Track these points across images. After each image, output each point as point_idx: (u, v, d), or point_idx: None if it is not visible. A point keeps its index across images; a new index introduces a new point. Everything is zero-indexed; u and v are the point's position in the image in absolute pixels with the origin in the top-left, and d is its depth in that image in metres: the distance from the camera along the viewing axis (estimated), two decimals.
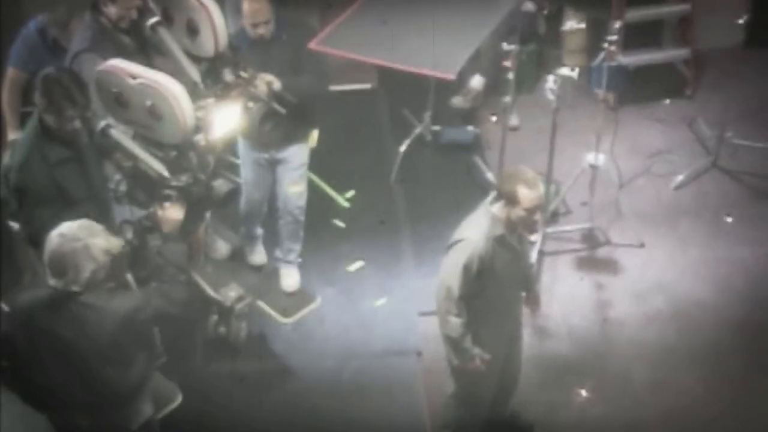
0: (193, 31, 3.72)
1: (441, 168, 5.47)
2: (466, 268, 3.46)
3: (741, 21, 5.24)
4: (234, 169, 4.25)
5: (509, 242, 3.55)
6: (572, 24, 5.98)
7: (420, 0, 4.62)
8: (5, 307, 3.32)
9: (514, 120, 5.51)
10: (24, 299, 3.21)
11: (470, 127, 5.63)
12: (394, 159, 5.39)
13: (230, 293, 3.94)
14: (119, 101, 3.53)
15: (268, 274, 4.83)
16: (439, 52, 4.32)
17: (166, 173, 3.54)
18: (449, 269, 3.50)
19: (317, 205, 4.95)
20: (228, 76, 3.80)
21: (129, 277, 3.49)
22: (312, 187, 4.82)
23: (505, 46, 4.68)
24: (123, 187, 3.60)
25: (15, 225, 3.67)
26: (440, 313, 3.57)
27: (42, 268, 3.16)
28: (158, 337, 3.59)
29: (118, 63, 3.57)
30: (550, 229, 4.90)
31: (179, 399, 3.71)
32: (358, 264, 4.89)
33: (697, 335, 4.52)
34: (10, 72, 4.49)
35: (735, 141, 5.34)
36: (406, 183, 5.35)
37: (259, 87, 3.97)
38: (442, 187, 5.28)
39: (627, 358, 4.44)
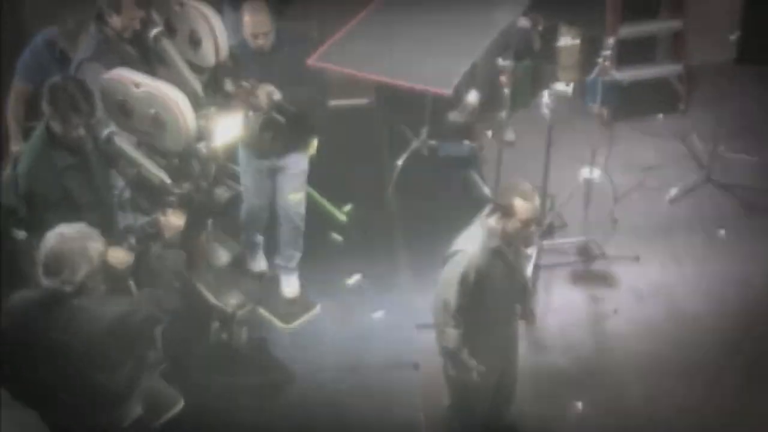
0: (195, 41, 3.80)
1: (438, 182, 5.49)
2: (463, 280, 3.48)
3: (733, 37, 5.29)
4: (235, 176, 4.31)
5: (505, 254, 3.58)
6: (567, 40, 6.01)
7: (417, 17, 4.67)
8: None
9: (509, 135, 5.55)
10: (16, 298, 3.25)
11: (466, 142, 5.66)
12: (392, 173, 5.42)
13: (231, 300, 3.97)
14: (123, 109, 3.59)
15: (269, 280, 4.85)
16: (436, 68, 4.37)
17: (168, 180, 3.60)
18: (447, 281, 3.52)
19: (315, 218, 4.98)
20: (229, 86, 3.88)
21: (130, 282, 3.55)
22: (310, 201, 4.85)
23: (501, 61, 4.74)
24: (126, 194, 3.66)
25: (20, 233, 3.71)
26: (438, 325, 3.60)
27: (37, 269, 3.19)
28: (160, 342, 3.63)
29: (122, 72, 3.64)
30: (545, 243, 4.94)
31: (181, 404, 3.72)
32: (356, 277, 4.92)
33: (691, 348, 4.54)
34: (16, 83, 4.56)
35: (728, 155, 5.38)
36: (403, 197, 5.38)
37: (260, 97, 4.04)
38: (438, 201, 5.30)
39: (622, 371, 4.46)
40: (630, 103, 5.60)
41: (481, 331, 3.63)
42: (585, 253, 5.01)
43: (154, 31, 3.79)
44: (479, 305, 3.56)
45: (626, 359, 4.52)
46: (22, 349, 3.19)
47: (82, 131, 3.60)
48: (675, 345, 4.56)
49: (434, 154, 5.59)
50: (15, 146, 4.59)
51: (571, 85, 4.62)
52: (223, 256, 4.32)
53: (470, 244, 3.53)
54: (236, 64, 3.94)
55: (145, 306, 3.32)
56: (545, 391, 4.35)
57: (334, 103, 5.16)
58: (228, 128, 3.77)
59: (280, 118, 4.16)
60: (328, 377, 4.42)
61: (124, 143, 3.61)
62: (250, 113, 4.01)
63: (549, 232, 5.07)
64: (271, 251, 4.90)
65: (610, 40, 4.82)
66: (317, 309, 4.75)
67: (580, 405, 4.29)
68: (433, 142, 5.57)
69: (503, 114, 4.89)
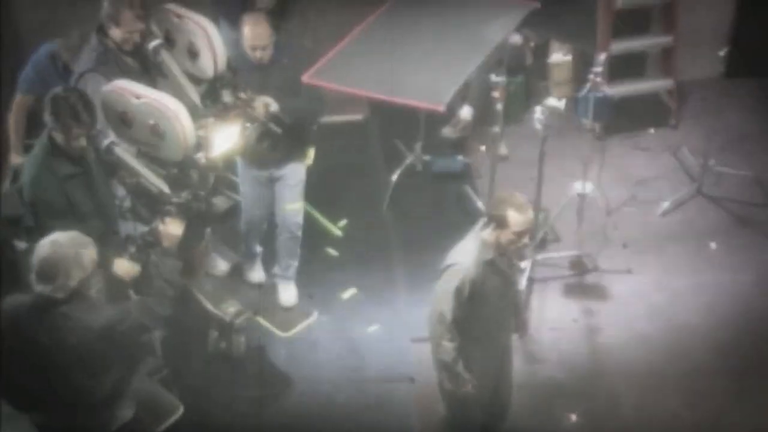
0: (193, 53, 3.89)
1: (432, 197, 5.53)
2: (458, 293, 3.50)
3: (721, 53, 5.35)
4: (234, 186, 4.38)
5: (499, 267, 3.60)
6: (558, 56, 6.10)
7: (410, 34, 4.72)
8: None
9: (502, 149, 5.58)
10: (8, 303, 3.28)
11: (460, 157, 5.70)
12: (386, 188, 5.46)
13: (229, 309, 4.01)
14: (123, 120, 3.66)
15: (266, 289, 4.88)
16: (429, 85, 4.42)
17: (167, 190, 3.65)
18: (442, 294, 3.54)
19: (311, 233, 5.01)
20: (227, 97, 3.96)
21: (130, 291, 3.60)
22: (306, 217, 4.87)
23: (493, 77, 4.78)
24: (127, 203, 3.71)
25: (21, 244, 3.76)
26: (434, 338, 3.61)
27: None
28: (159, 350, 3.66)
29: (122, 83, 3.71)
30: (539, 256, 4.97)
31: (180, 411, 3.74)
32: (352, 291, 4.94)
33: (684, 359, 4.57)
34: (18, 96, 4.61)
35: (718, 169, 5.42)
36: (397, 211, 5.41)
37: (257, 108, 4.10)
38: (433, 216, 5.34)
39: (615, 383, 4.48)
40: (622, 118, 5.63)
41: (476, 344, 3.64)
42: (578, 266, 5.04)
43: (153, 43, 3.90)
44: (474, 318, 3.58)
45: (619, 371, 4.54)
46: (10, 352, 3.22)
47: (83, 141, 3.65)
48: (667, 356, 4.59)
49: (428, 169, 5.63)
50: (15, 159, 4.64)
51: (563, 100, 4.65)
52: (221, 266, 4.38)
53: (464, 256, 3.55)
54: (234, 75, 4.03)
55: (134, 314, 3.36)
56: (540, 404, 4.37)
57: (328, 119, 5.20)
58: (226, 139, 3.85)
59: (277, 129, 4.23)
60: (324, 390, 4.43)
61: (124, 153, 3.67)
62: (248, 124, 4.07)
63: (542, 245, 5.10)
64: (268, 260, 4.93)
65: (602, 56, 4.85)
66: (315, 316, 4.77)
67: (574, 417, 4.31)
68: (427, 157, 5.61)
69: (496, 129, 4.94)
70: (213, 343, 4.12)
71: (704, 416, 4.30)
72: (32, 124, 4.42)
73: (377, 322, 4.77)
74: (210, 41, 3.86)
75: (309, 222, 5.03)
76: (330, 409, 4.36)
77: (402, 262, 5.11)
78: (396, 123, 5.57)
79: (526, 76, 5.99)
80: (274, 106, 4.22)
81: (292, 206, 4.67)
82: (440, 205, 5.46)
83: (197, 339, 4.17)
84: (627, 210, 5.41)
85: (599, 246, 5.08)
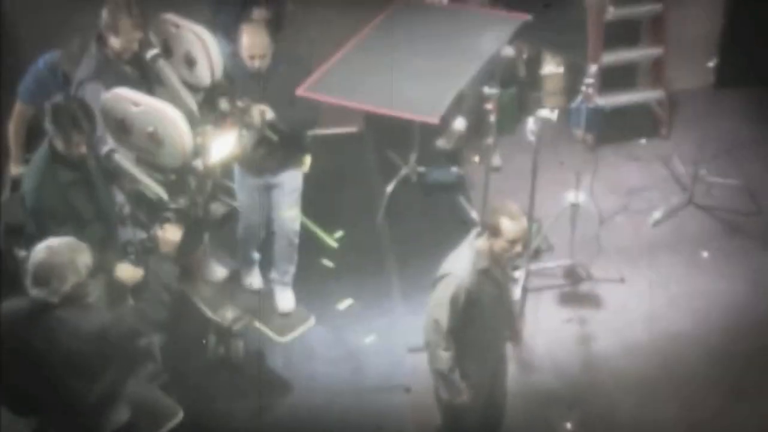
0: (190, 62, 3.97)
1: (426, 207, 5.56)
2: (454, 301, 3.52)
3: (711, 64, 5.41)
4: (231, 193, 4.43)
5: (493, 275, 3.63)
6: (550, 68, 6.16)
7: (404, 47, 4.76)
8: None
9: (496, 160, 5.62)
10: (5, 308, 3.31)
11: (454, 168, 5.74)
12: (381, 199, 5.50)
13: (228, 314, 4.04)
14: (122, 127, 3.72)
15: (264, 295, 4.90)
16: (423, 97, 4.46)
17: (165, 196, 3.69)
18: (437, 303, 3.56)
19: (307, 245, 5.04)
20: (224, 105, 4.03)
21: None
22: (302, 228, 4.90)
23: (486, 89, 4.83)
24: (127, 209, 3.75)
25: (21, 252, 3.79)
26: (430, 347, 3.63)
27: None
28: (158, 355, 3.69)
29: (122, 91, 3.77)
30: (532, 266, 5.00)
31: (180, 416, 3.76)
32: (347, 302, 4.97)
33: (677, 367, 4.60)
34: (18, 106, 4.64)
35: (709, 178, 5.47)
36: (392, 222, 5.44)
37: (253, 116, 4.16)
38: (427, 226, 5.36)
39: (610, 391, 4.51)
40: (613, 128, 5.67)
41: (471, 352, 3.67)
42: (571, 275, 5.07)
43: (151, 52, 3.97)
44: (469, 326, 3.60)
45: (613, 378, 4.57)
46: (7, 356, 3.25)
47: (84, 149, 3.69)
48: (661, 363, 4.62)
49: (423, 180, 5.67)
50: (15, 169, 4.67)
51: (556, 111, 4.67)
52: (219, 272, 4.42)
53: (459, 265, 3.58)
54: (231, 84, 4.10)
55: (129, 319, 3.40)
56: (534, 412, 4.39)
57: (323, 131, 5.24)
58: (223, 146, 3.90)
59: (273, 137, 4.28)
60: (321, 400, 4.44)
61: (123, 160, 3.72)
62: (244, 132, 4.13)
63: (536, 255, 5.14)
64: (265, 266, 4.96)
65: (593, 68, 4.90)
66: (312, 321, 4.79)
67: (569, 425, 4.33)
68: (421, 169, 5.65)
69: (490, 140, 4.98)
70: (212, 350, 4.15)
71: (698, 423, 4.33)
72: (31, 136, 4.45)
73: (373, 332, 4.79)
74: (207, 50, 3.95)
75: (305, 233, 5.06)
76: (326, 418, 4.37)
77: (397, 272, 5.14)
78: (391, 135, 5.60)
79: (519, 88, 6.03)
80: (270, 114, 4.28)
81: (289, 213, 4.70)
82: (435, 215, 5.49)
83: (196, 344, 4.20)
84: (619, 219, 5.44)
85: (592, 255, 5.11)
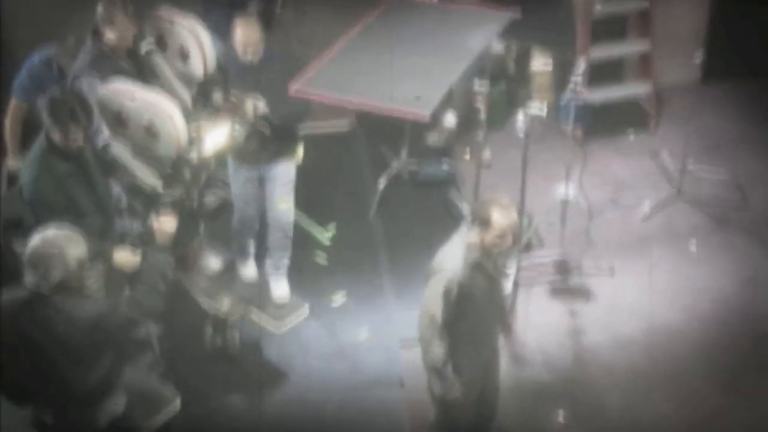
0: (184, 55, 4.04)
1: (418, 203, 5.58)
2: (447, 295, 3.53)
3: (697, 61, 5.46)
4: (225, 184, 4.48)
5: (485, 269, 3.63)
6: (539, 63, 6.19)
7: (395, 43, 4.80)
8: None
9: (486, 155, 5.63)
10: (3, 298, 3.33)
11: (445, 164, 5.78)
12: (373, 195, 5.52)
13: (223, 305, 4.07)
14: (119, 120, 3.77)
15: (259, 285, 4.91)
16: (414, 93, 4.49)
17: (160, 187, 3.72)
18: (430, 297, 3.57)
19: (301, 241, 5.06)
20: (217, 98, 4.09)
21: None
22: (294, 225, 4.91)
23: (476, 86, 4.87)
24: (123, 200, 3.78)
25: (20, 246, 3.80)
26: (424, 342, 3.63)
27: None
28: (157, 346, 3.71)
29: (117, 85, 3.83)
30: (524, 260, 5.03)
31: (178, 402, 3.78)
32: (341, 298, 5.00)
33: (666, 359, 4.63)
34: (13, 102, 4.65)
35: (697, 172, 5.51)
36: (385, 218, 5.46)
37: (246, 108, 4.21)
38: (419, 221, 5.38)
39: (600, 383, 4.54)
40: (602, 123, 5.71)
41: (464, 346, 3.68)
42: (562, 269, 5.11)
43: (146, 47, 4.03)
44: (462, 320, 3.61)
45: (603, 371, 4.61)
46: (6, 345, 3.28)
47: (80, 141, 3.71)
48: (651, 356, 4.65)
49: (414, 176, 5.70)
50: (12, 163, 4.68)
51: (545, 106, 4.73)
52: (214, 263, 4.45)
53: (451, 259, 3.58)
54: (224, 77, 4.15)
55: (124, 309, 3.41)
56: (527, 405, 4.42)
57: (315, 127, 5.26)
58: (216, 138, 3.97)
59: (265, 129, 4.32)
60: (315, 397, 4.46)
61: (120, 152, 3.75)
62: (237, 124, 4.17)
63: (527, 249, 5.17)
64: (260, 257, 4.98)
65: (581, 63, 4.95)
66: (306, 309, 4.81)
67: (561, 417, 4.36)
68: (412, 164, 5.68)
69: (480, 135, 5.01)
70: (209, 341, 4.17)
71: (688, 416, 4.36)
72: (27, 132, 4.46)
73: (367, 327, 4.81)
74: (200, 43, 4.04)
75: (298, 229, 5.07)
76: (321, 413, 4.38)
77: (390, 267, 5.16)
78: (382, 131, 5.62)
79: (509, 84, 6.06)
80: (262, 106, 4.32)
81: (283, 205, 4.73)
82: (426, 210, 5.52)
83: (192, 335, 4.22)
84: (609, 213, 5.48)
85: (582, 249, 5.15)
